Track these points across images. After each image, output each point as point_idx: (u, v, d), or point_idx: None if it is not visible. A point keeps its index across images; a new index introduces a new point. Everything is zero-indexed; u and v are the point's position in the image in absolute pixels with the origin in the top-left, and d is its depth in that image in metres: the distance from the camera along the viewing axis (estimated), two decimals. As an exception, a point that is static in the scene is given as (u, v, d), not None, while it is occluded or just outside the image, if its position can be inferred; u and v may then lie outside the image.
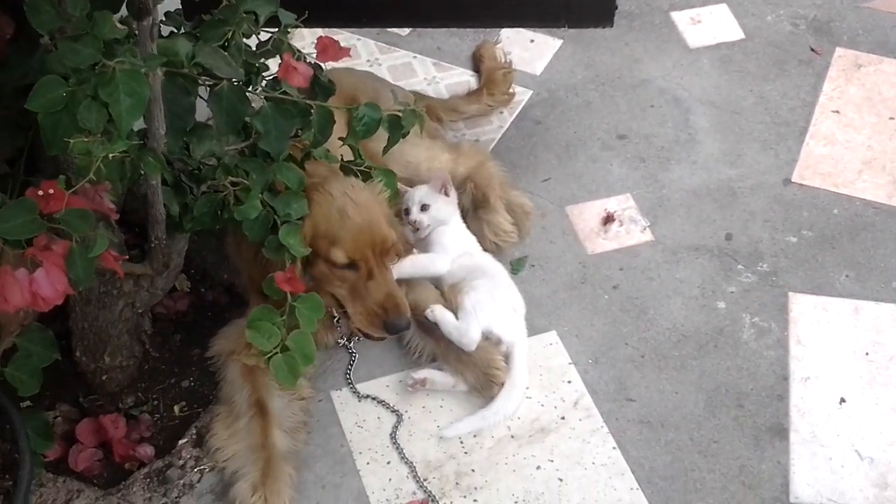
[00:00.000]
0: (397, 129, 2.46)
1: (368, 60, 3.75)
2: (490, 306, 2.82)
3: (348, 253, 2.57)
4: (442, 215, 2.95)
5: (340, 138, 2.53)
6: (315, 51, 2.38)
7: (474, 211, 3.14)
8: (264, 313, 2.30)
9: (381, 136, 2.49)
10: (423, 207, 2.93)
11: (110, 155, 1.97)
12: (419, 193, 2.95)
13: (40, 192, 1.97)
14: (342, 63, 2.45)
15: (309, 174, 2.55)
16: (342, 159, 2.64)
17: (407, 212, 2.95)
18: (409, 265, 2.86)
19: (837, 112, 3.55)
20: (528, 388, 2.81)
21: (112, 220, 2.38)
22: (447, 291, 2.91)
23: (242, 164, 2.39)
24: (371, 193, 2.64)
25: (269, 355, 2.27)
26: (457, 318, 2.79)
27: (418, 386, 2.79)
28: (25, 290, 1.94)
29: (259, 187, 2.37)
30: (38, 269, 1.94)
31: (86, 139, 1.96)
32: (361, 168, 2.65)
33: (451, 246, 2.94)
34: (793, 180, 3.34)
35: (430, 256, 2.92)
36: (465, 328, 2.78)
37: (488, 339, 2.81)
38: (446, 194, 2.98)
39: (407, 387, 2.79)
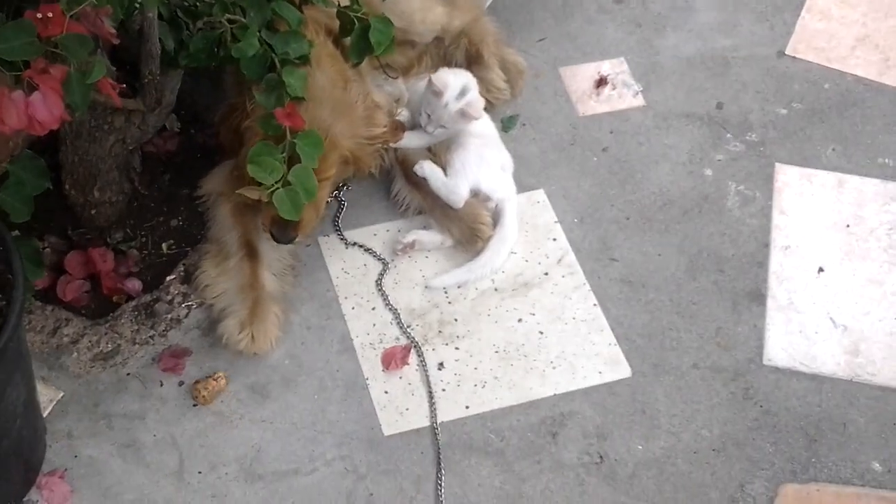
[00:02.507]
0: (397, -26, 2.44)
1: None
2: (478, 164, 2.82)
3: None
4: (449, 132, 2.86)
5: (338, -17, 2.50)
6: None
7: (467, 67, 3.11)
8: (265, 148, 2.30)
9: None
10: (439, 126, 2.83)
11: (111, -21, 1.95)
12: (443, 115, 2.80)
13: (39, 15, 1.94)
14: None
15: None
16: (339, 5, 2.60)
17: (430, 100, 2.81)
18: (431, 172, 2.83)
19: (835, -13, 3.53)
20: (513, 243, 2.85)
21: (106, 54, 2.36)
22: (436, 147, 2.91)
23: (240, 1, 2.36)
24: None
25: (271, 189, 2.28)
26: (445, 174, 2.81)
27: (407, 249, 2.81)
28: (22, 113, 1.92)
29: (257, 25, 2.35)
30: (34, 92, 1.93)
31: (87, -39, 1.93)
32: (358, 15, 2.61)
33: (469, 170, 2.82)
34: (786, 53, 3.33)
35: (449, 181, 2.81)
36: (454, 185, 2.79)
37: (476, 196, 2.82)
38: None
39: (396, 251, 2.81)
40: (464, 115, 2.79)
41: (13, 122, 1.93)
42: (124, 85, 2.33)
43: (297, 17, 2.43)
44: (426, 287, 2.76)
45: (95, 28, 2.02)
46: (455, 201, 2.79)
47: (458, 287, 2.77)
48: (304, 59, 2.45)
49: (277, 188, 2.31)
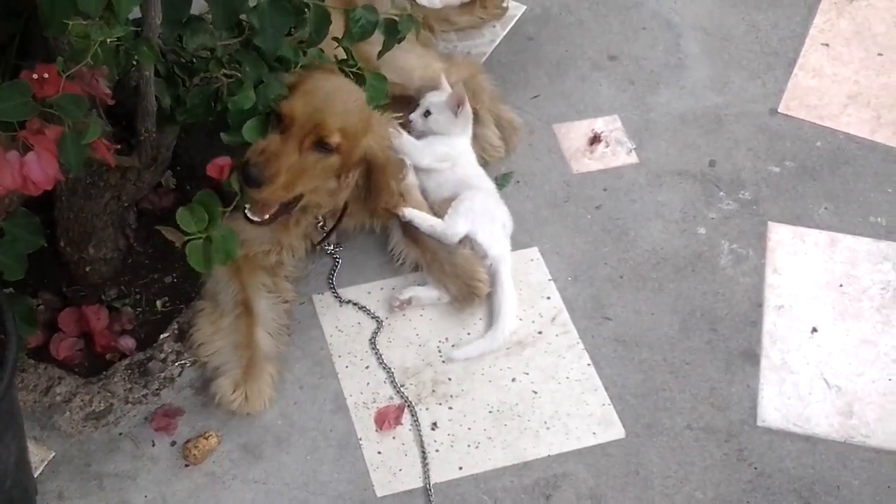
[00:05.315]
0: (393, 33, 2.46)
1: (361, -34, 3.70)
2: (482, 214, 2.85)
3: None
4: (438, 128, 2.95)
5: (335, 38, 2.51)
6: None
7: (463, 123, 3.14)
8: (207, 198, 2.27)
9: (375, 39, 2.48)
10: (426, 113, 2.95)
11: (108, 40, 1.96)
12: (430, 98, 2.97)
13: (35, 76, 1.95)
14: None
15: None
16: (336, 59, 2.62)
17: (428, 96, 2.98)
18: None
19: (827, 45, 3.55)
20: (507, 302, 2.85)
21: (102, 112, 2.37)
22: (440, 205, 2.91)
23: (236, 56, 2.38)
24: (356, 97, 2.59)
25: (189, 238, 2.23)
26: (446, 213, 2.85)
27: (404, 306, 2.81)
28: (16, 173, 1.94)
29: (252, 79, 2.36)
30: (29, 152, 1.94)
31: (84, 22, 1.94)
32: (354, 70, 2.63)
33: (436, 152, 2.94)
34: (779, 111, 3.35)
35: (412, 143, 2.93)
36: (451, 223, 2.81)
37: (473, 249, 2.83)
38: (455, 114, 2.95)
39: (392, 307, 2.81)
40: (453, 98, 2.92)
41: (8, 183, 1.95)
42: (119, 146, 2.34)
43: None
44: (448, 359, 2.75)
45: (91, 88, 2.04)
46: (450, 237, 2.81)
47: (452, 345, 2.76)
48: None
49: (197, 238, 2.25)
